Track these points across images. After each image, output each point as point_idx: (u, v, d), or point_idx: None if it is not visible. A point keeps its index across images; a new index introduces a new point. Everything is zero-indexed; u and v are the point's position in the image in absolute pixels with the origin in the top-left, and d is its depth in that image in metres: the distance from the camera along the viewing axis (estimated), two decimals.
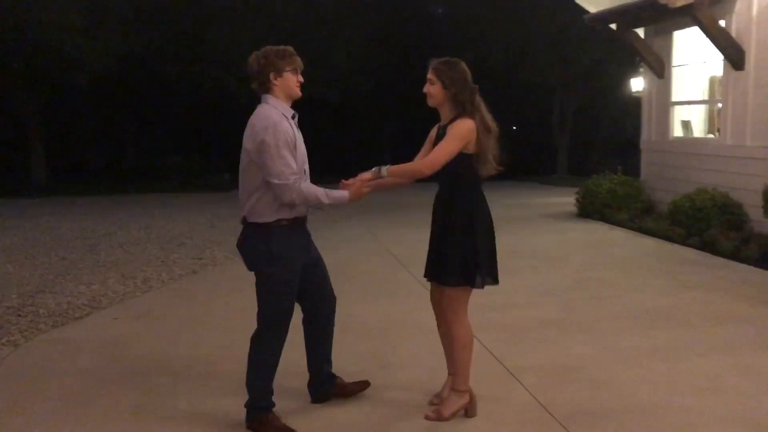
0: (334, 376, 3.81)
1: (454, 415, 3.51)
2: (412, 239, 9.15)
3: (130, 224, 11.14)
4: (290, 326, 3.54)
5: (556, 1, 16.73)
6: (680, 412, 3.58)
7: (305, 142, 3.62)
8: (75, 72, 17.11)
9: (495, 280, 3.58)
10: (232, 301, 6.08)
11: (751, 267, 6.99)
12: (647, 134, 11.13)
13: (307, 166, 3.56)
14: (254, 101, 3.56)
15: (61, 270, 7.53)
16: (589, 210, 10.77)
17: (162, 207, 13.67)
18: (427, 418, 3.53)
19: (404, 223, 10.61)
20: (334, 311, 3.80)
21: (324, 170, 23.32)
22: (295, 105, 3.64)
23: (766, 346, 4.60)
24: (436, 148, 3.48)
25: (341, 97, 20.28)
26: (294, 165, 3.34)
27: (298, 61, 3.53)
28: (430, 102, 3.59)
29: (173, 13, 18.14)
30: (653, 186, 10.72)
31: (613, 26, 10.75)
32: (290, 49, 3.52)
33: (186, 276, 7.24)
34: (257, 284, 3.48)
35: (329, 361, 3.80)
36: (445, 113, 3.58)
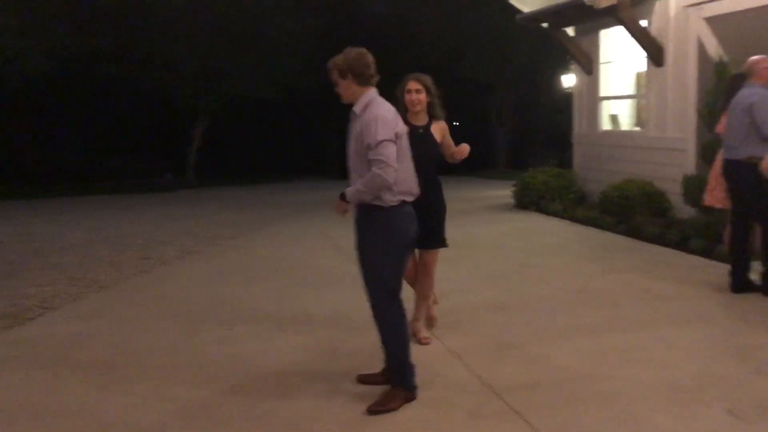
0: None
1: None
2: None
3: (75, 226, 11.08)
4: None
5: (492, 1, 17.23)
6: (606, 381, 3.94)
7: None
8: (10, 71, 16.79)
9: None
10: (183, 297, 6.26)
11: (673, 250, 7.54)
12: (578, 128, 11.70)
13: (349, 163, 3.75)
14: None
15: (7, 274, 7.53)
16: (525, 201, 11.28)
17: (106, 208, 13.59)
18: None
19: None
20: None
21: (272, 166, 23.29)
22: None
23: (684, 321, 5.06)
24: (450, 143, 4.68)
25: (287, 96, 20.50)
26: None
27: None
28: (418, 108, 4.50)
29: (112, 14, 17.91)
30: (585, 177, 11.29)
31: (545, 25, 11.26)
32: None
33: (137, 275, 7.34)
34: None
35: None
36: (422, 117, 4.56)
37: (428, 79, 4.53)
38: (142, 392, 3.99)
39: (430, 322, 4.92)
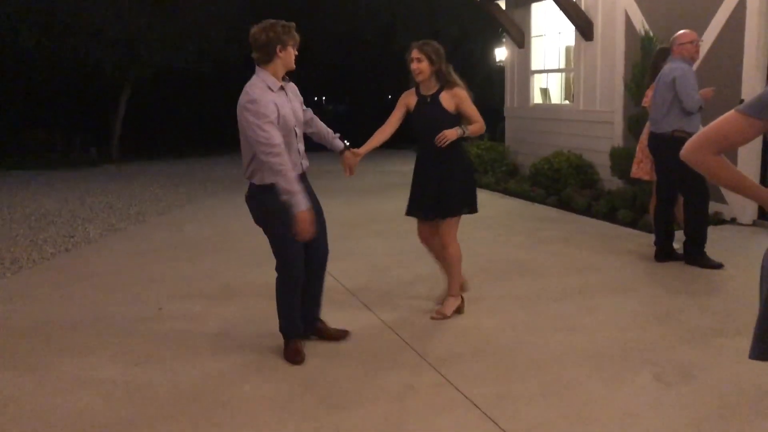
0: (317, 319, 4.21)
1: (452, 313, 4.60)
2: None
3: None
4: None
5: None
6: (538, 349, 4.03)
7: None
8: None
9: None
10: (109, 276, 6.04)
11: (601, 221, 7.75)
12: (510, 101, 11.82)
13: (298, 130, 3.87)
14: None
15: None
16: None
17: (24, 185, 12.95)
18: (433, 318, 4.56)
19: None
20: (326, 260, 4.16)
21: (199, 139, 22.73)
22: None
23: (611, 289, 5.21)
24: (474, 111, 4.40)
25: (214, 67, 19.93)
26: (277, 138, 3.61)
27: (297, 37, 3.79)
28: (420, 77, 4.36)
29: None
30: (516, 150, 11.45)
31: None
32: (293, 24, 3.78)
33: (59, 254, 7.03)
34: (267, 235, 3.88)
35: (317, 304, 4.21)
36: (430, 85, 4.41)
37: (432, 47, 4.33)
38: (66, 377, 3.83)
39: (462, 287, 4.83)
